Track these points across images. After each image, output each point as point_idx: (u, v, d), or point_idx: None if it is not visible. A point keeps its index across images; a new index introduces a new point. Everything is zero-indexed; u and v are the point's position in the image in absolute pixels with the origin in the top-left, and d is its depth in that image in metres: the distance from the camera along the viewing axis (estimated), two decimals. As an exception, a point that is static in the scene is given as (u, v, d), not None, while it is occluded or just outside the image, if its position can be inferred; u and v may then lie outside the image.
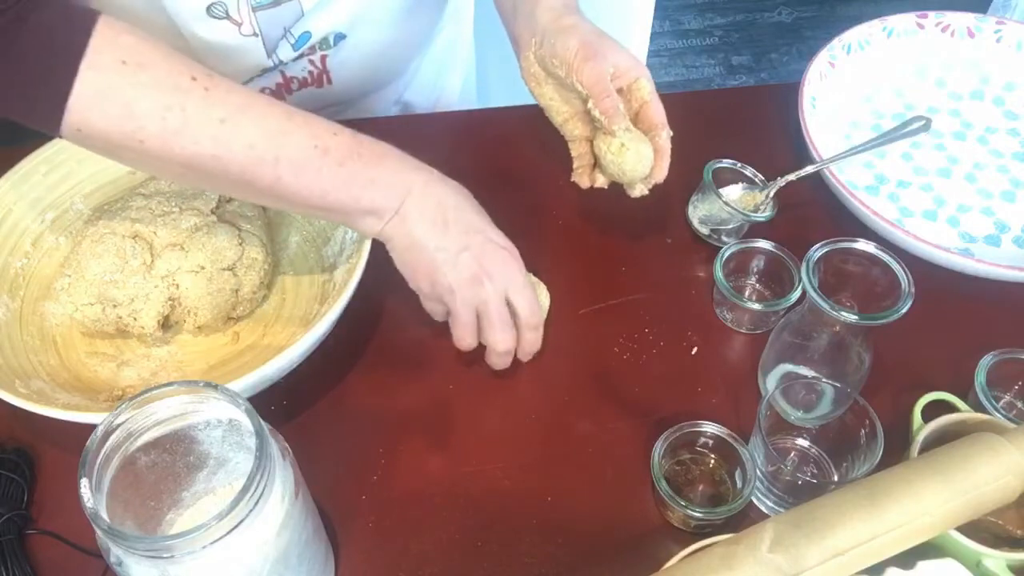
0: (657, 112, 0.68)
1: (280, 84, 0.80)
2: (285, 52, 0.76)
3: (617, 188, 0.82)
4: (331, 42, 0.78)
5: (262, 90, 0.80)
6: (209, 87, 0.54)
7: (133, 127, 0.53)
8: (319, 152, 0.57)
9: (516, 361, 0.69)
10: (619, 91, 0.68)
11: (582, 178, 0.73)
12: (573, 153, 0.73)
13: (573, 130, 0.72)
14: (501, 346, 0.63)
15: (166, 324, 0.68)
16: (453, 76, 1.00)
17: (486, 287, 0.61)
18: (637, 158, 0.67)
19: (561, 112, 0.71)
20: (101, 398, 0.64)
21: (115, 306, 0.66)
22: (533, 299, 0.64)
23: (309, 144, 0.57)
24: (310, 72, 0.80)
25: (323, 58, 0.79)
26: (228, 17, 0.71)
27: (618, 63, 0.67)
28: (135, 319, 0.66)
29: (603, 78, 0.65)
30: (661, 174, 0.68)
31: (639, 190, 0.70)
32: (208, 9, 0.70)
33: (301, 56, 0.78)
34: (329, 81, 0.82)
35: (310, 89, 0.81)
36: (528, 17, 0.71)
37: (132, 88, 0.52)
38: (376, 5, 0.78)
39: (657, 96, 0.68)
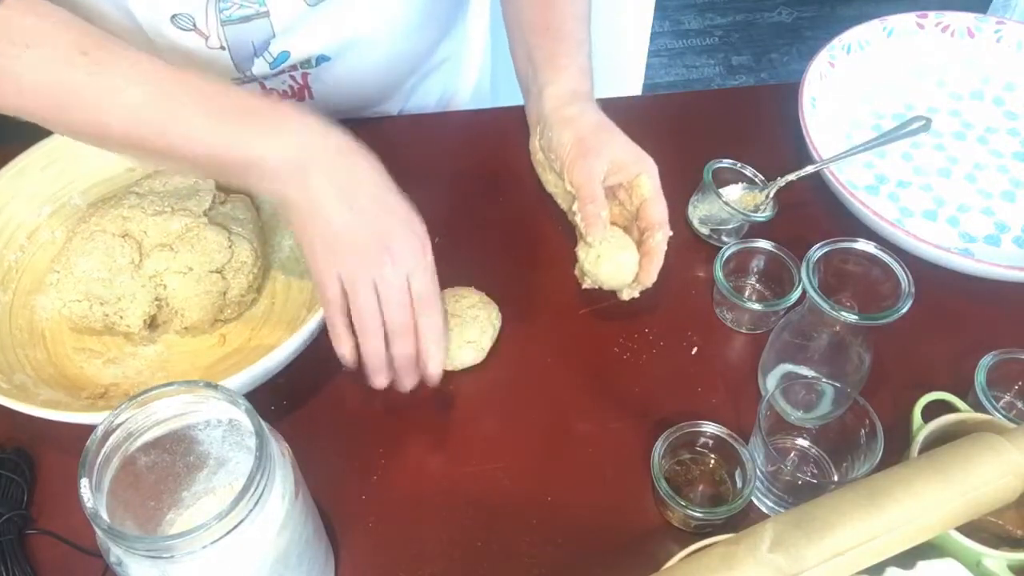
0: (655, 212, 0.65)
1: None
2: (261, 69, 0.76)
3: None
4: (313, 63, 0.78)
5: None
6: (99, 60, 0.56)
7: (22, 102, 0.56)
8: (208, 110, 0.56)
9: (517, 363, 0.69)
10: (619, 187, 0.66)
11: (581, 275, 0.69)
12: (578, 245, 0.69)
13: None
14: (399, 325, 0.58)
15: (153, 324, 0.68)
16: (460, 92, 0.99)
17: (387, 265, 0.57)
18: (614, 269, 0.64)
19: (566, 200, 0.69)
20: (83, 395, 0.64)
21: (102, 304, 0.66)
22: (433, 286, 0.59)
23: (198, 101, 0.56)
24: (290, 86, 0.80)
25: (304, 75, 0.79)
26: (195, 29, 0.70)
27: (616, 158, 0.64)
28: (121, 317, 0.66)
29: (590, 180, 0.63)
30: (648, 279, 0.65)
31: (627, 294, 0.67)
32: (172, 19, 0.69)
33: (281, 72, 0.78)
34: (310, 96, 0.81)
35: (290, 102, 0.81)
36: (536, 100, 0.70)
37: (19, 66, 0.55)
38: (361, 32, 0.77)
39: (660, 194, 0.65)
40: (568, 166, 0.64)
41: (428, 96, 0.94)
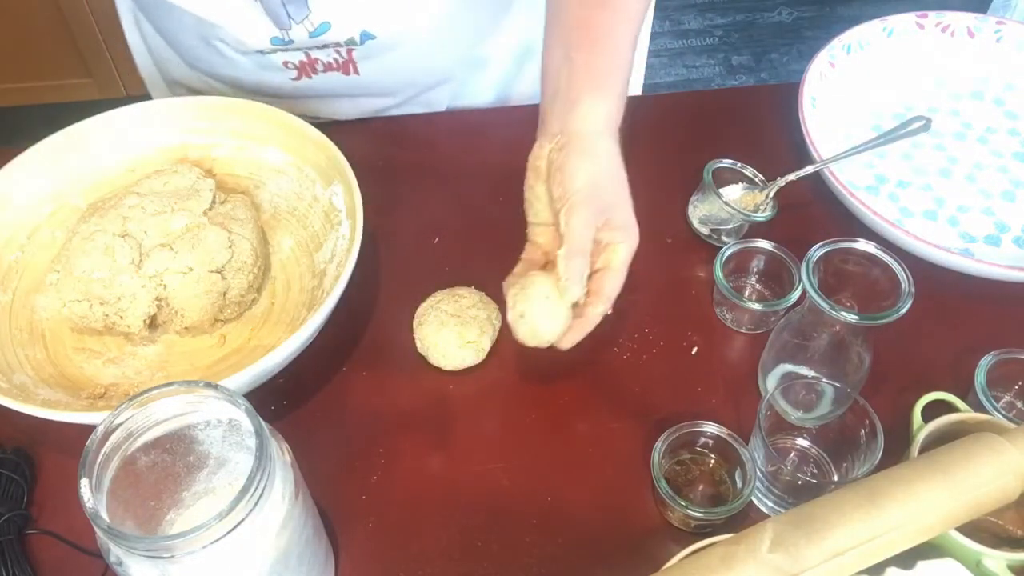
0: (611, 285, 0.60)
1: (304, 62, 0.80)
2: (300, 35, 0.76)
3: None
4: (358, 40, 0.78)
5: (284, 64, 0.80)
6: None
7: None
8: None
9: (517, 363, 0.69)
10: (596, 243, 0.61)
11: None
12: (523, 255, 0.65)
13: (538, 237, 0.64)
14: None
15: (153, 324, 0.68)
16: (518, 94, 0.95)
17: None
18: (530, 333, 0.59)
19: (541, 213, 0.64)
20: (83, 395, 0.64)
21: (102, 304, 0.66)
22: None
23: None
24: (335, 59, 0.81)
25: (349, 51, 0.80)
26: None
27: (613, 219, 0.60)
28: (121, 317, 0.66)
29: (585, 234, 0.58)
30: (567, 343, 0.60)
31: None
32: None
33: (324, 46, 0.78)
34: (356, 71, 0.82)
35: (336, 74, 0.81)
36: (564, 109, 0.63)
37: None
38: (404, 11, 0.77)
39: (625, 269, 0.60)
40: (570, 207, 0.59)
41: (482, 91, 0.92)
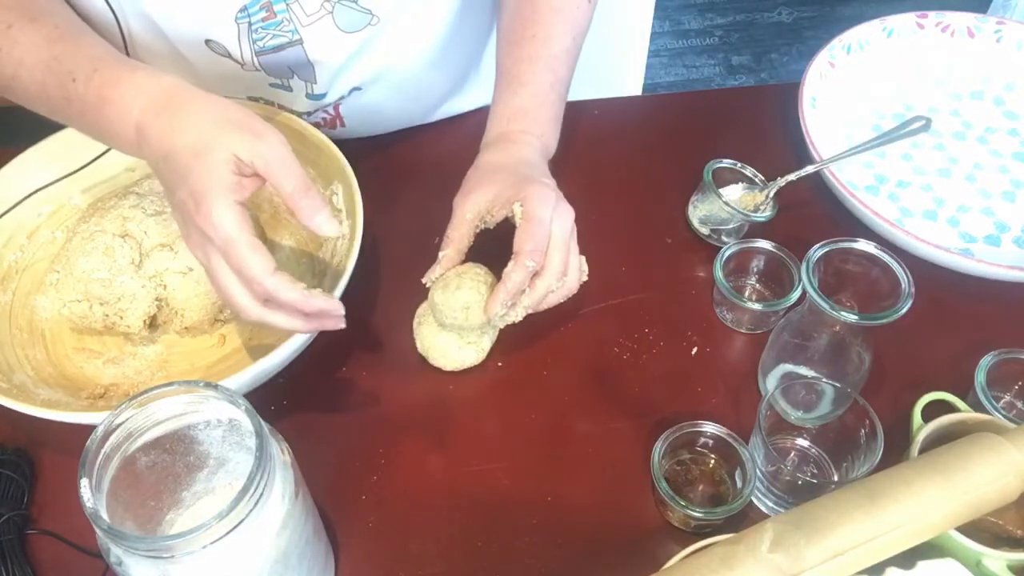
0: (517, 239, 0.61)
1: None
2: (300, 104, 0.77)
3: (615, 191, 0.83)
4: (346, 93, 0.79)
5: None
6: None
7: None
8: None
9: (517, 363, 0.69)
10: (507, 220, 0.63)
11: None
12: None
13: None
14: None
15: (153, 324, 0.68)
16: None
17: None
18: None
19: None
20: (83, 395, 0.64)
21: (102, 304, 0.66)
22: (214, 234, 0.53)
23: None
24: (323, 118, 0.81)
25: (336, 106, 0.80)
26: (229, 56, 0.71)
27: (499, 192, 0.63)
28: (121, 317, 0.66)
29: (457, 216, 0.64)
30: (490, 309, 0.61)
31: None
32: (207, 43, 0.70)
33: (317, 110, 0.79)
34: (342, 124, 0.83)
35: (323, 130, 0.82)
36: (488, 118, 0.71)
37: None
38: (391, 61, 0.78)
39: (532, 221, 0.60)
40: (456, 202, 0.65)
41: (474, 102, 0.93)
